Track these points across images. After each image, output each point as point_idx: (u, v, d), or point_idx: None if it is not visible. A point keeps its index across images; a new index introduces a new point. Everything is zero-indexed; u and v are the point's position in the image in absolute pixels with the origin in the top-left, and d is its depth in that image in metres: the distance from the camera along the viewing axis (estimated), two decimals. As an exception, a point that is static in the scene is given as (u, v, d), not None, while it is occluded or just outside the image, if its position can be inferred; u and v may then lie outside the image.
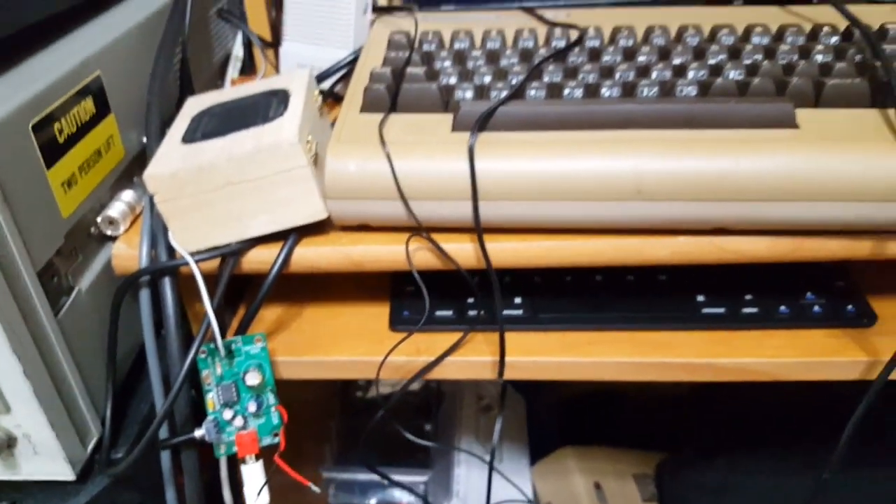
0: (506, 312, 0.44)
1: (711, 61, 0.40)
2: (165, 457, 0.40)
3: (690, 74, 0.39)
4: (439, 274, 0.39)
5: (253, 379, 0.37)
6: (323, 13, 0.54)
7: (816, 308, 0.43)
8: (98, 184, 0.39)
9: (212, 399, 0.38)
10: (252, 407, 0.38)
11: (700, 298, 0.44)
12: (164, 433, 0.39)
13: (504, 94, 0.38)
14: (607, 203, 0.35)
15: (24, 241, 0.32)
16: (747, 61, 0.40)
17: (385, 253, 0.39)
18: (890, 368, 0.38)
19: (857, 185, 0.34)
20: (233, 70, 0.59)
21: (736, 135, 0.35)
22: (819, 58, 0.40)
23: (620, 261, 0.38)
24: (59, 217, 0.35)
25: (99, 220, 0.39)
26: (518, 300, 0.45)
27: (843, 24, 0.43)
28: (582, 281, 0.46)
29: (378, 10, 0.62)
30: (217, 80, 0.58)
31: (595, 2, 0.59)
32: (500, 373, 0.42)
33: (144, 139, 0.42)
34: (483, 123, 0.37)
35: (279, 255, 0.38)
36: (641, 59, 0.41)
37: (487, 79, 0.40)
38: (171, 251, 0.37)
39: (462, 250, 0.38)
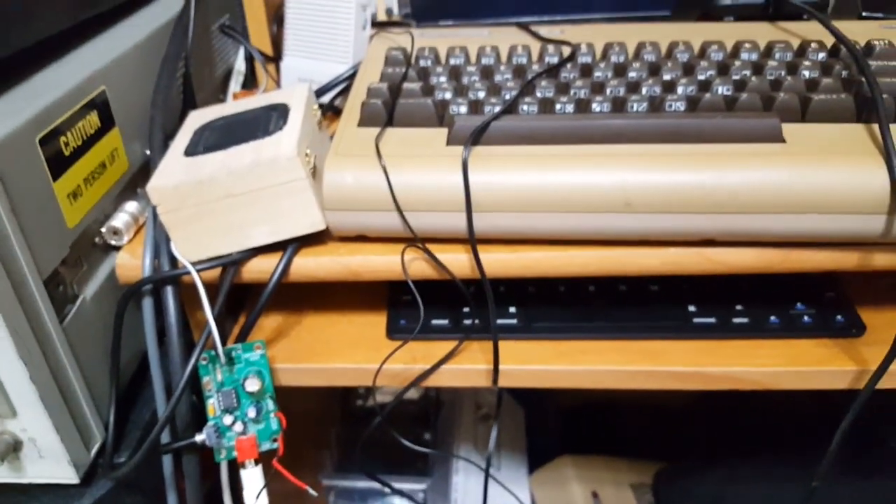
0: (500, 321, 0.45)
1: (700, 77, 0.41)
2: (167, 461, 0.41)
3: (679, 90, 0.40)
4: (436, 283, 0.40)
5: (252, 385, 0.38)
6: (323, 29, 0.55)
7: (806, 318, 0.44)
8: (103, 195, 0.40)
9: (212, 405, 0.39)
10: (252, 413, 0.39)
11: (691, 308, 0.45)
12: (166, 438, 0.40)
13: (497, 109, 0.40)
14: (597, 215, 0.36)
15: (30, 251, 0.33)
16: (736, 77, 0.41)
17: (382, 263, 0.40)
18: (877, 378, 0.39)
19: (843, 199, 0.35)
20: (235, 84, 0.60)
21: (723, 149, 0.36)
22: (806, 73, 0.41)
23: (610, 271, 0.39)
24: (64, 227, 0.36)
25: (103, 230, 0.40)
26: (512, 309, 0.46)
27: (830, 40, 0.44)
28: (575, 291, 0.47)
29: (377, 26, 0.64)
30: (219, 94, 0.60)
31: (589, 17, 0.61)
32: (495, 380, 0.42)
33: (148, 152, 0.43)
34: (477, 137, 0.38)
35: (278, 264, 0.39)
36: (632, 74, 0.42)
37: (482, 94, 0.42)
38: (173, 261, 0.39)
39: (457, 260, 0.39)
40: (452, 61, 0.46)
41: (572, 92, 0.41)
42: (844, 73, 0.41)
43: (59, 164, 0.35)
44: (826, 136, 0.37)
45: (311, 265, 0.40)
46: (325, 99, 0.55)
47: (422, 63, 0.46)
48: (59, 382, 0.36)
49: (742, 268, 0.38)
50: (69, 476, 0.37)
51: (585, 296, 0.46)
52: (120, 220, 0.41)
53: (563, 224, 0.37)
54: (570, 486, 0.75)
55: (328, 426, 0.84)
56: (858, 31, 0.46)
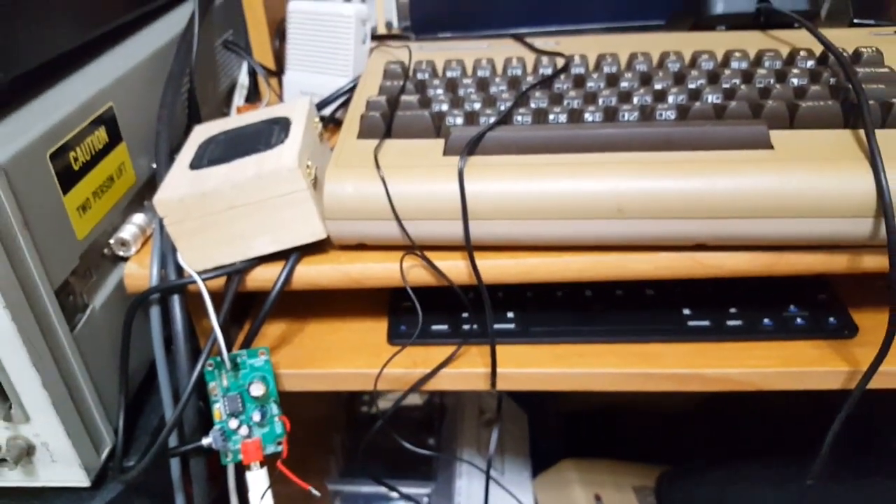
0: (498, 326, 0.46)
1: (691, 86, 0.42)
2: (175, 464, 0.42)
3: (670, 99, 0.41)
4: (436, 290, 0.41)
5: (257, 390, 0.39)
6: (324, 43, 0.56)
7: (799, 320, 0.45)
8: (111, 208, 0.41)
9: (218, 409, 0.40)
10: (256, 417, 0.40)
11: (686, 312, 0.45)
12: (174, 442, 0.41)
13: (492, 119, 0.41)
14: (590, 222, 0.37)
15: (42, 262, 0.34)
16: (726, 85, 0.42)
17: (382, 270, 0.41)
18: (867, 378, 0.39)
19: (830, 203, 0.36)
20: (239, 98, 0.62)
21: (712, 156, 0.37)
22: (795, 81, 0.42)
23: (605, 276, 0.40)
24: (74, 239, 0.37)
25: (112, 241, 0.42)
26: (511, 314, 0.47)
27: (819, 48, 0.45)
28: (572, 295, 0.48)
29: (377, 39, 0.65)
30: (224, 108, 0.61)
31: (586, 27, 0.62)
32: (493, 383, 0.43)
33: (154, 165, 0.44)
34: (472, 148, 0.39)
35: (281, 273, 0.40)
36: (624, 84, 0.43)
37: (477, 105, 0.43)
38: (179, 270, 0.40)
39: (454, 267, 0.40)
40: (449, 74, 0.47)
41: (565, 102, 0.42)
42: (832, 80, 0.42)
43: (68, 179, 0.37)
44: (814, 142, 0.38)
45: (312, 273, 0.41)
46: (327, 111, 0.56)
47: (419, 76, 0.47)
48: (71, 389, 0.37)
49: (733, 271, 0.39)
50: (80, 479, 0.38)
51: (582, 300, 0.47)
52: (128, 231, 0.42)
53: (557, 231, 0.38)
54: (572, 489, 0.76)
55: (333, 432, 0.85)
56: (848, 38, 0.47)
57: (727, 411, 0.85)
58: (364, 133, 0.42)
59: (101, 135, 0.40)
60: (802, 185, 0.36)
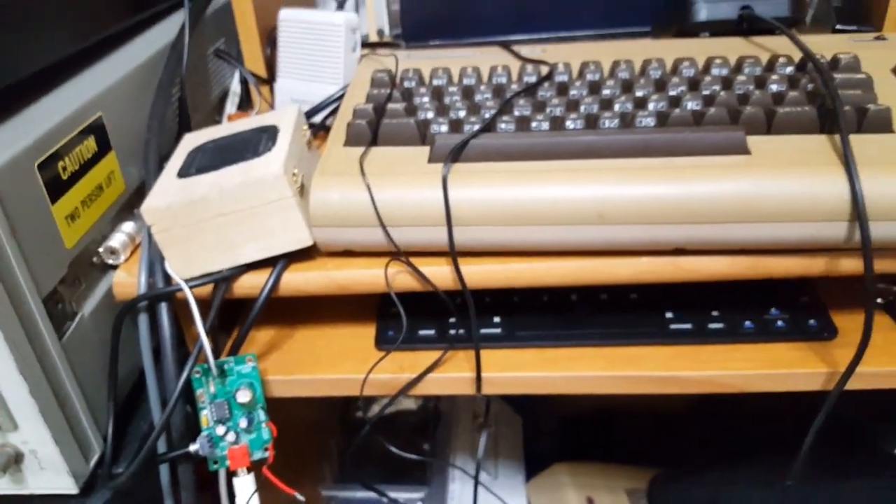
0: (484, 331, 0.46)
1: (672, 93, 0.43)
2: (164, 471, 0.42)
3: (651, 106, 0.42)
4: (424, 295, 0.42)
5: (244, 397, 0.40)
6: (314, 52, 0.57)
7: (780, 323, 0.45)
8: (100, 216, 0.42)
9: (206, 416, 0.41)
10: (243, 423, 0.41)
11: (669, 315, 0.46)
12: (162, 449, 0.41)
13: (476, 127, 0.41)
14: (572, 227, 0.38)
15: (30, 271, 0.35)
16: (706, 92, 0.43)
17: (368, 276, 0.41)
18: (845, 380, 0.40)
19: (805, 207, 0.36)
20: (231, 105, 0.62)
21: (691, 162, 0.38)
22: (773, 87, 0.43)
23: (588, 280, 0.40)
24: (63, 248, 0.38)
25: (101, 249, 0.42)
26: (497, 319, 0.47)
27: (799, 54, 0.45)
28: (558, 300, 0.48)
29: (368, 46, 0.66)
30: (216, 115, 0.62)
31: (574, 34, 0.63)
32: (478, 388, 0.44)
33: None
34: (456, 155, 0.40)
35: (268, 280, 0.41)
36: (606, 92, 0.44)
37: (462, 113, 0.43)
38: (167, 278, 0.40)
39: (440, 273, 0.41)
40: (435, 82, 0.47)
41: (548, 110, 0.43)
42: (810, 86, 0.42)
43: (57, 188, 0.37)
44: (790, 148, 0.38)
45: (300, 280, 0.41)
46: (318, 118, 0.57)
47: (406, 84, 0.48)
48: (59, 396, 0.37)
49: (712, 275, 0.40)
50: (68, 486, 0.39)
51: (567, 304, 0.48)
52: (117, 239, 0.43)
53: (539, 236, 0.39)
54: (565, 492, 0.76)
55: (328, 437, 0.85)
56: (829, 44, 0.48)
57: (720, 413, 0.85)
58: (350, 141, 0.43)
59: (90, 144, 0.41)
60: (778, 190, 0.36)
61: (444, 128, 0.42)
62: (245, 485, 0.40)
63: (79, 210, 0.39)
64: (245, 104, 0.64)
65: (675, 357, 0.45)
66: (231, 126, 0.46)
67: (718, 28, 0.53)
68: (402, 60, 0.52)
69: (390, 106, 0.44)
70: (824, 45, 0.48)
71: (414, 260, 0.40)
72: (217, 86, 0.61)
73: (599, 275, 0.40)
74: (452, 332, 0.47)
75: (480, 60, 0.51)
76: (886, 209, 0.36)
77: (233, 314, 0.49)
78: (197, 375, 0.40)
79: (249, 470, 0.40)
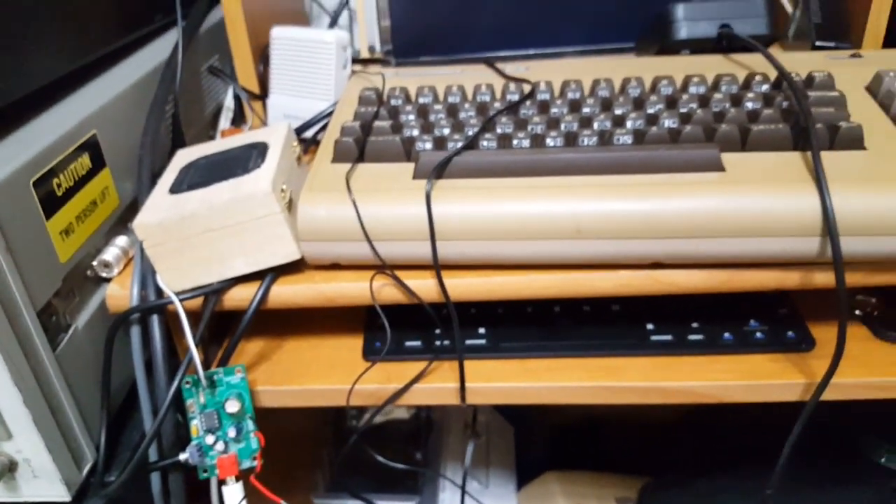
0: (469, 342, 0.47)
1: (650, 111, 0.44)
2: (155, 479, 0.43)
3: (628, 124, 0.43)
4: (411, 307, 0.43)
5: (232, 407, 0.41)
6: (306, 69, 0.58)
7: (759, 334, 0.46)
8: (94, 231, 0.43)
9: (195, 426, 0.42)
10: (232, 433, 0.42)
11: (650, 327, 0.47)
12: (154, 458, 0.42)
13: (460, 144, 0.42)
14: (551, 242, 0.39)
15: (24, 285, 0.36)
16: (683, 110, 0.44)
17: (355, 289, 0.42)
18: (820, 390, 0.41)
19: (777, 222, 0.37)
20: (224, 120, 0.64)
21: (666, 178, 0.39)
22: (749, 105, 0.44)
23: (567, 293, 0.41)
24: (57, 262, 0.39)
25: (95, 263, 0.43)
26: (482, 330, 0.48)
27: (775, 72, 0.47)
28: (541, 312, 0.49)
29: (360, 62, 0.67)
30: (210, 130, 0.63)
31: (560, 50, 0.64)
32: (462, 398, 0.45)
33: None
34: (440, 172, 0.41)
35: (257, 292, 0.42)
36: (586, 110, 0.45)
37: (447, 131, 0.45)
38: (159, 291, 0.41)
39: (424, 286, 0.42)
40: (421, 100, 0.49)
41: (529, 128, 0.44)
42: (785, 103, 0.44)
43: (52, 204, 0.38)
44: (764, 164, 0.40)
45: (288, 293, 0.42)
46: (309, 133, 0.58)
47: (393, 102, 0.49)
48: (52, 407, 0.38)
49: (689, 288, 0.41)
50: (61, 494, 0.40)
51: (551, 316, 0.49)
52: (111, 253, 0.44)
53: (519, 250, 0.40)
54: (555, 501, 0.77)
55: (320, 446, 0.86)
56: (806, 61, 0.49)
57: (710, 423, 0.86)
58: (338, 157, 0.44)
59: (84, 161, 0.42)
60: (750, 206, 0.37)
61: (429, 145, 0.43)
62: (234, 493, 0.41)
63: (73, 225, 0.41)
64: (238, 119, 0.65)
65: (656, 368, 0.46)
66: (223, 142, 0.47)
67: (699, 46, 0.54)
68: (389, 78, 0.53)
69: (377, 123, 0.45)
70: (801, 62, 0.49)
71: (400, 273, 0.42)
72: (211, 101, 0.63)
73: (579, 287, 0.41)
74: (438, 343, 0.48)
75: (465, 78, 0.52)
76: (856, 224, 0.37)
77: (224, 326, 0.50)
78: (187, 386, 0.41)
79: (238, 478, 0.41)
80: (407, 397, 0.46)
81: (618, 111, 0.44)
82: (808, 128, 0.40)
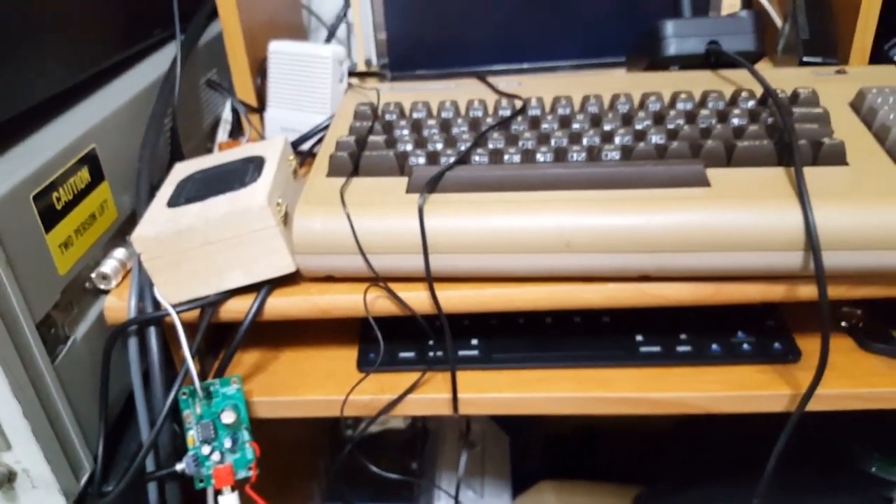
0: (462, 353, 0.48)
1: (638, 127, 0.45)
2: (152, 490, 0.44)
3: (617, 140, 0.44)
4: (405, 319, 0.43)
5: (228, 418, 0.42)
6: (302, 82, 0.59)
7: (746, 346, 0.47)
8: (93, 244, 0.44)
9: (192, 436, 0.42)
10: (228, 443, 0.42)
11: (639, 338, 0.48)
12: (151, 468, 0.43)
13: (452, 159, 0.43)
14: (540, 255, 0.40)
15: (24, 297, 0.37)
16: (670, 126, 0.45)
17: (349, 301, 0.43)
18: (805, 402, 0.42)
19: (761, 237, 0.38)
20: (223, 133, 0.65)
21: (653, 194, 0.40)
22: (735, 121, 0.45)
23: (557, 305, 0.42)
24: (56, 275, 0.40)
25: (93, 275, 0.44)
26: (474, 341, 0.49)
27: (761, 88, 0.48)
28: (533, 323, 0.50)
29: (356, 75, 0.68)
30: (208, 143, 0.64)
31: (552, 64, 0.65)
32: (455, 408, 0.46)
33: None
34: (433, 186, 0.42)
35: (253, 304, 0.43)
36: (576, 126, 0.46)
37: (440, 146, 0.45)
38: (156, 303, 0.42)
39: (417, 298, 0.43)
40: (415, 115, 0.50)
41: (520, 143, 0.45)
42: (770, 120, 0.45)
43: (51, 218, 0.39)
44: (748, 180, 0.40)
45: (283, 304, 0.43)
46: (306, 146, 0.59)
47: (387, 117, 0.50)
48: (51, 417, 0.39)
49: (677, 301, 0.42)
50: (59, 504, 0.40)
51: (542, 327, 0.50)
52: (109, 266, 0.45)
53: (510, 264, 0.41)
54: (549, 510, 0.78)
55: (317, 456, 0.86)
56: (792, 77, 0.50)
57: (704, 432, 0.87)
58: (333, 171, 0.45)
59: (83, 175, 0.43)
60: (735, 221, 0.38)
61: (422, 160, 0.44)
62: (230, 503, 0.42)
63: (72, 238, 0.41)
64: (236, 132, 0.66)
65: (645, 379, 0.46)
66: (220, 156, 0.48)
67: (688, 62, 0.55)
68: (384, 93, 0.54)
69: (371, 138, 0.46)
70: (787, 78, 0.50)
71: (393, 285, 0.42)
72: (209, 114, 0.64)
73: (569, 300, 0.42)
74: (431, 354, 0.48)
75: (459, 94, 0.53)
76: (838, 239, 0.38)
77: (220, 337, 0.51)
78: (184, 397, 0.42)
79: (234, 488, 0.42)
80: (400, 408, 0.47)
81: (607, 127, 0.45)
82: (792, 144, 0.40)
